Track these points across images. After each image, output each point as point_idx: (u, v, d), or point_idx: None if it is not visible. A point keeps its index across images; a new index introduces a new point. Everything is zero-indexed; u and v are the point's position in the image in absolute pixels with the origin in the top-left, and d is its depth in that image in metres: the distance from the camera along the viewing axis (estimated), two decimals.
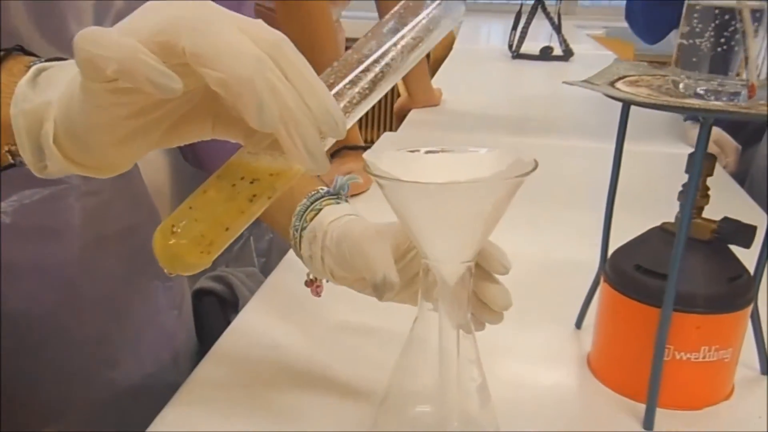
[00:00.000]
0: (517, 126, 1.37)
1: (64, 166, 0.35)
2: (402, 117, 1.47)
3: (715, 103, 0.47)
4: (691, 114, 0.44)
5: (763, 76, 0.47)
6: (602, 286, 0.56)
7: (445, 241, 0.41)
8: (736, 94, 0.47)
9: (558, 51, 2.14)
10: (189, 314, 0.80)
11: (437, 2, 0.36)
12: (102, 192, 0.63)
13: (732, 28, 0.46)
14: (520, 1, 2.24)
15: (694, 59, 0.48)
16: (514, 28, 2.19)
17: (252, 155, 0.34)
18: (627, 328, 0.54)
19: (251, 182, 0.32)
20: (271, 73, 0.30)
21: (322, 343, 0.61)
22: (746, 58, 0.46)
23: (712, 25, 0.47)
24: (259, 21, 0.32)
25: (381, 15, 1.39)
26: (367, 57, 0.35)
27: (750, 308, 0.52)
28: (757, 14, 0.46)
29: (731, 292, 0.51)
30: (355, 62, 0.35)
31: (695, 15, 0.48)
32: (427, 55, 2.96)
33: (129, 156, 0.35)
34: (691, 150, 0.48)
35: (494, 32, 2.93)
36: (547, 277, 0.75)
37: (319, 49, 1.01)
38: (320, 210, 0.53)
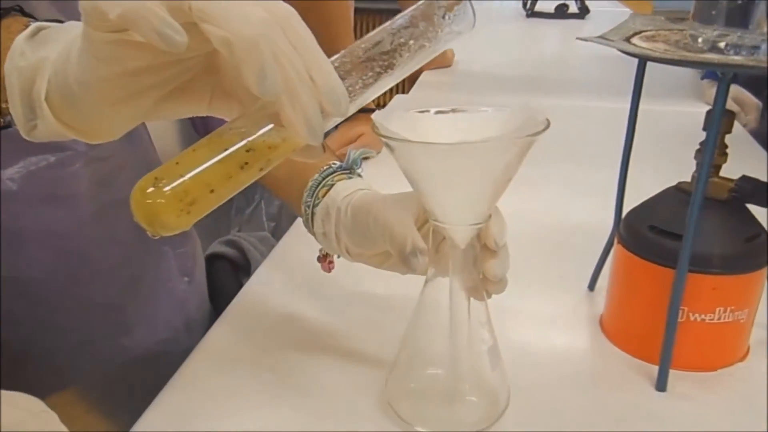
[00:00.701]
0: (531, 86, 1.35)
1: (54, 127, 0.34)
2: (414, 79, 1.45)
3: (734, 58, 0.45)
4: (709, 69, 0.42)
5: None
6: (616, 247, 0.55)
7: (456, 202, 0.41)
8: (756, 48, 0.45)
9: (573, 8, 2.09)
10: (201, 280, 0.80)
11: (449, 13, 0.35)
12: (111, 158, 0.62)
13: None
14: None
15: (712, 12, 0.46)
16: None
17: (251, 123, 0.33)
18: (641, 290, 0.53)
19: (246, 150, 0.31)
20: (278, 39, 0.29)
21: (332, 309, 0.61)
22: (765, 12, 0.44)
23: None
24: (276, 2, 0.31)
25: None
26: (374, 49, 0.34)
27: (766, 269, 0.51)
28: None
29: (748, 252, 0.50)
30: (362, 52, 0.34)
31: None
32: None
33: (119, 122, 0.34)
34: (709, 108, 0.47)
35: None
36: (561, 238, 0.74)
37: (332, 30, 0.99)
38: (332, 185, 0.52)
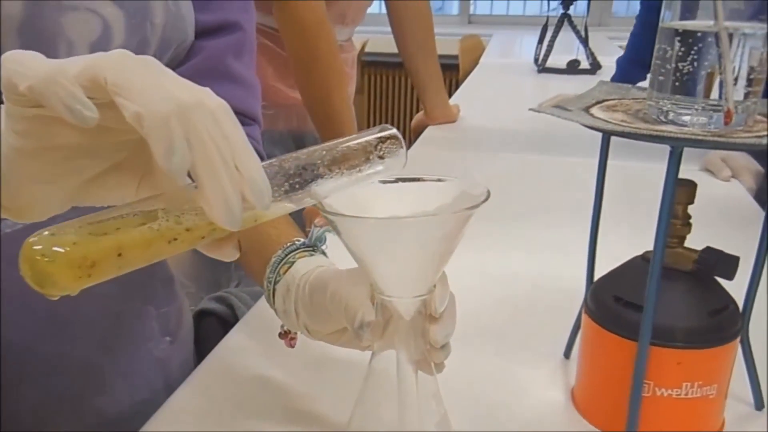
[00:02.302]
0: (535, 143, 1.34)
1: None
2: (419, 133, 1.46)
3: (687, 130, 0.45)
4: (659, 142, 0.42)
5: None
6: (583, 317, 0.54)
7: (397, 275, 0.40)
8: (711, 119, 0.45)
9: (585, 64, 2.10)
10: (187, 339, 0.80)
11: (385, 153, 0.37)
12: None
13: (706, 50, 0.44)
14: (546, 14, 2.22)
15: (668, 83, 0.46)
16: (540, 41, 2.17)
17: (172, 201, 0.32)
18: (607, 362, 0.52)
19: (156, 228, 0.30)
20: (200, 122, 0.29)
21: (301, 373, 0.60)
22: (723, 83, 0.44)
23: (687, 48, 0.45)
24: (207, 89, 0.31)
25: (391, 15, 1.38)
26: (303, 162, 0.34)
27: (736, 342, 0.50)
28: (733, 37, 0.44)
29: (714, 325, 0.48)
30: (291, 164, 0.34)
31: (668, 38, 0.46)
32: (456, 68, 2.96)
33: (47, 202, 0.34)
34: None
35: (525, 45, 2.91)
36: (540, 300, 0.73)
37: (320, 65, 1.01)
38: (293, 263, 0.52)
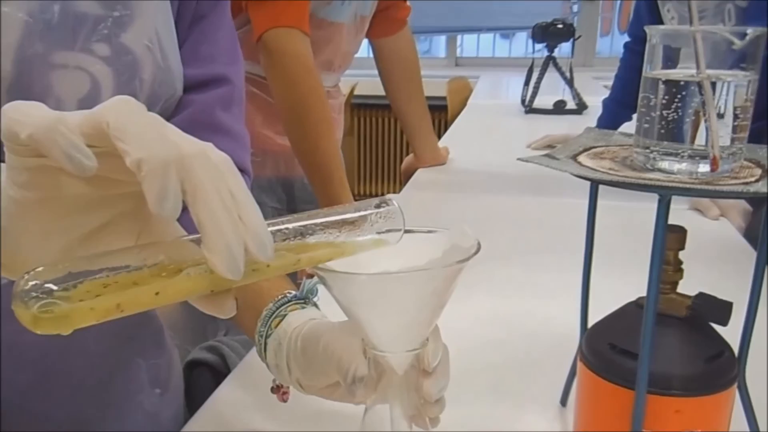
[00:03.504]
0: (524, 184, 1.35)
1: None
2: (409, 176, 1.47)
3: (674, 177, 0.45)
4: (646, 191, 0.42)
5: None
6: (579, 365, 0.53)
7: (388, 330, 0.40)
8: (697, 166, 0.45)
9: (571, 104, 2.13)
10: (177, 390, 0.79)
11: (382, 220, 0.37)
12: None
13: (690, 98, 0.45)
14: (532, 56, 2.26)
15: (653, 130, 0.47)
16: (527, 83, 2.20)
17: (170, 251, 0.32)
18: (605, 411, 0.51)
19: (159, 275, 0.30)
20: (202, 172, 0.30)
21: (295, 428, 0.59)
22: (707, 130, 0.45)
23: (670, 96, 0.46)
24: (210, 143, 0.31)
25: (378, 59, 1.39)
26: (298, 225, 0.35)
27: (734, 388, 0.49)
28: (716, 85, 0.45)
29: (710, 372, 0.48)
30: (290, 227, 0.35)
31: (652, 87, 0.46)
32: (445, 109, 2.99)
33: (42, 257, 0.33)
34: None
35: (512, 86, 2.95)
36: (534, 346, 0.72)
37: (309, 114, 1.02)
38: (285, 316, 0.52)
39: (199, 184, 0.29)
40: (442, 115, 3.10)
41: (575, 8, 3.32)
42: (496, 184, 1.36)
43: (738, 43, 0.43)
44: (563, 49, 2.26)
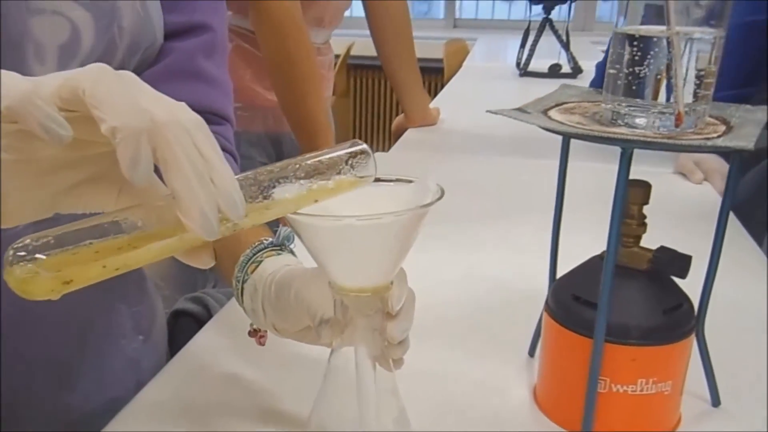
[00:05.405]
0: (512, 145, 1.36)
1: None
2: (399, 136, 1.47)
3: (638, 132, 0.46)
4: (610, 144, 0.43)
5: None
6: (544, 316, 0.55)
7: (351, 272, 0.41)
8: (662, 121, 0.46)
9: (567, 68, 2.12)
10: (160, 338, 0.80)
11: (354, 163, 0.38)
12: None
13: (658, 55, 0.46)
14: (528, 18, 2.24)
15: (621, 86, 0.47)
16: (523, 45, 2.19)
17: (147, 214, 0.34)
18: (566, 360, 0.53)
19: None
20: (173, 139, 0.31)
21: (271, 370, 0.61)
22: (673, 86, 0.45)
23: (639, 52, 0.46)
24: (182, 104, 0.33)
25: (369, 19, 1.39)
26: (274, 175, 0.36)
27: (690, 340, 0.51)
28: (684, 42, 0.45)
29: (667, 323, 0.50)
30: (265, 176, 0.36)
31: (621, 42, 0.47)
32: (441, 72, 2.97)
33: (22, 210, 0.35)
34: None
35: (509, 49, 2.92)
36: (508, 300, 0.74)
37: (295, 68, 1.02)
38: (261, 262, 0.53)
39: (171, 152, 0.31)
40: (438, 77, 3.08)
41: None
42: (484, 146, 1.37)
43: (704, 1, 0.43)
44: (562, 11, 2.24)
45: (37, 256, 0.30)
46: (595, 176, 1.03)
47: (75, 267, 0.31)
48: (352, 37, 3.04)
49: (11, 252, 0.30)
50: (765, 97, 1.17)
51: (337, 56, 1.92)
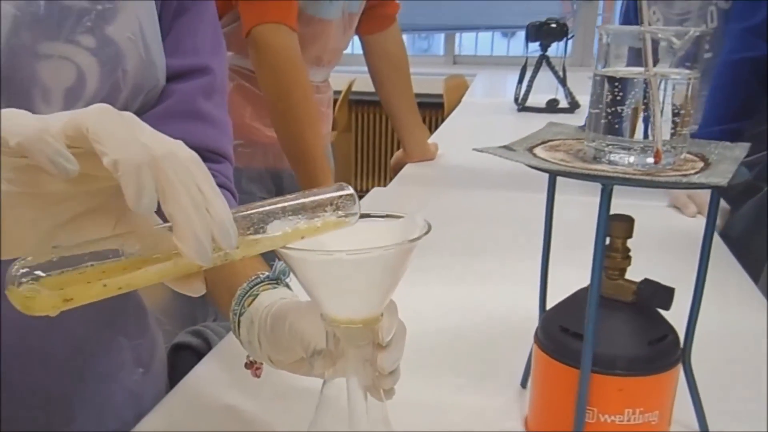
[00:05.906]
0: (506, 180, 1.38)
1: None
2: (398, 171, 1.50)
3: (619, 169, 0.48)
4: (590, 180, 0.45)
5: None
6: (534, 347, 0.56)
7: (343, 306, 0.43)
8: (642, 159, 0.48)
9: (564, 103, 2.16)
10: (160, 372, 0.81)
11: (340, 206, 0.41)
12: None
13: (636, 94, 0.48)
14: (526, 55, 2.28)
15: (602, 125, 0.49)
16: (520, 81, 2.22)
17: (143, 240, 0.36)
18: (555, 390, 0.54)
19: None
20: (171, 171, 0.33)
21: (267, 402, 0.62)
22: (651, 125, 0.47)
23: (618, 92, 0.48)
24: (179, 141, 0.35)
25: (367, 56, 1.42)
26: (262, 213, 0.38)
27: (676, 370, 0.52)
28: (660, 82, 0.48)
29: (653, 353, 0.51)
30: (256, 215, 0.38)
31: (600, 83, 0.49)
32: (441, 107, 3.01)
33: (20, 243, 0.36)
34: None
35: (508, 85, 2.97)
36: (500, 331, 0.75)
37: (294, 107, 1.05)
38: (257, 295, 0.55)
39: (169, 183, 0.33)
40: (438, 112, 3.12)
41: (576, 6, 3.34)
42: (480, 181, 1.39)
43: (677, 43, 0.46)
44: (560, 48, 2.29)
45: (40, 274, 0.32)
46: (583, 209, 1.04)
47: (77, 286, 0.33)
48: (353, 73, 3.09)
49: (15, 269, 0.32)
50: (755, 132, 1.19)
51: (338, 92, 1.96)
